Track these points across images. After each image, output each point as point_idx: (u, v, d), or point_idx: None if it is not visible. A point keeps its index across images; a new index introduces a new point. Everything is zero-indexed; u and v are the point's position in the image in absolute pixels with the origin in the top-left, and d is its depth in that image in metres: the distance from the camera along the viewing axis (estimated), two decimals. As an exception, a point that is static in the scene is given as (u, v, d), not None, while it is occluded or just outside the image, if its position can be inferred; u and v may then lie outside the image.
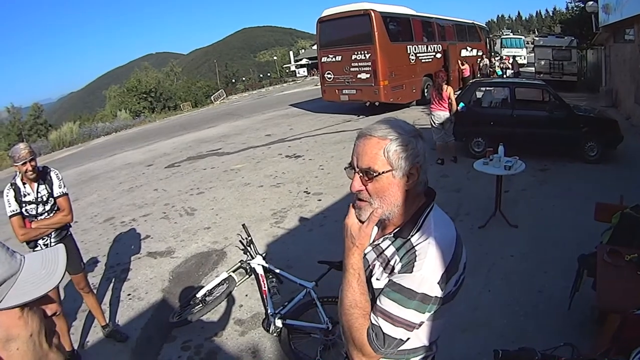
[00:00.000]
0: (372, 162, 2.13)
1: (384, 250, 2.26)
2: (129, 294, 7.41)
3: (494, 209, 8.93)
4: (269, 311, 5.69)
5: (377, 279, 2.22)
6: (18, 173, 5.21)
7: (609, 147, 12.41)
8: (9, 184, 5.25)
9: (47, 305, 1.45)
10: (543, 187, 10.95)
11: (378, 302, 2.14)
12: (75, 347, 5.89)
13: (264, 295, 5.80)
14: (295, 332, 5.64)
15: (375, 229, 2.41)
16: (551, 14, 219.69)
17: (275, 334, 5.66)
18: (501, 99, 14.15)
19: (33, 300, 1.33)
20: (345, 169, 2.30)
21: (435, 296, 2.08)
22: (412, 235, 2.17)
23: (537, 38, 40.19)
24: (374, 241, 2.36)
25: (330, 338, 5.44)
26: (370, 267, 2.29)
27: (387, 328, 2.10)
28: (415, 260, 2.08)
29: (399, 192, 2.18)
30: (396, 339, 2.11)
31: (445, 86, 13.26)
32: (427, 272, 2.05)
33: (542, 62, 32.45)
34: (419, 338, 2.25)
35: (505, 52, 47.68)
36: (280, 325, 5.59)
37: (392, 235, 2.25)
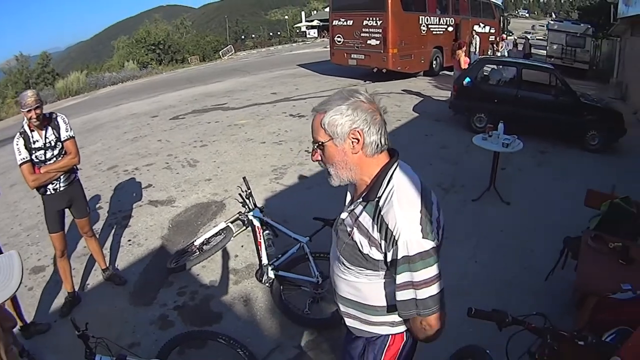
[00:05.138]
0: (317, 135, 2.44)
1: (358, 217, 2.46)
2: (129, 240, 7.59)
3: (489, 184, 9.10)
4: (262, 262, 5.88)
5: (365, 247, 2.41)
6: (25, 119, 5.32)
7: (611, 139, 12.53)
8: (19, 133, 5.32)
9: (2, 318, 1.53)
10: (540, 168, 11.17)
11: (399, 282, 2.34)
12: (76, 289, 6.05)
13: (259, 247, 5.99)
14: (287, 284, 5.83)
15: (349, 195, 2.67)
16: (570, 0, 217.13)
17: (267, 284, 5.86)
18: (507, 78, 14.20)
19: None
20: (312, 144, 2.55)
21: (431, 247, 2.29)
22: (378, 198, 2.39)
23: (552, 22, 40.00)
24: (348, 206, 2.61)
25: (319, 292, 5.66)
26: (349, 232, 2.49)
27: (428, 291, 2.33)
28: (388, 227, 2.29)
29: (346, 157, 2.42)
30: (438, 292, 2.36)
31: (458, 51, 16.53)
32: (406, 234, 2.26)
33: (555, 47, 32.50)
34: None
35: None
36: (273, 277, 5.80)
37: (361, 199, 2.47)
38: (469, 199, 8.89)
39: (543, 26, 64.41)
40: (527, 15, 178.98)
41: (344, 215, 2.58)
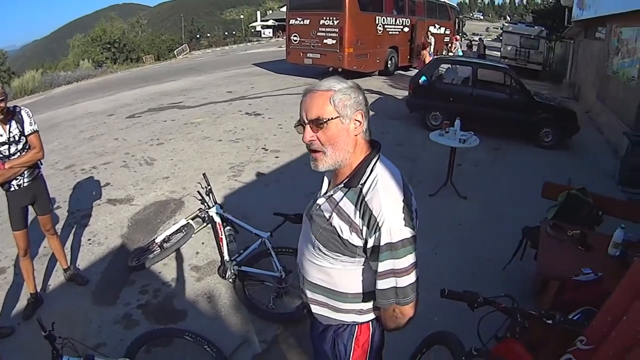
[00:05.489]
0: (321, 112, 2.35)
1: (338, 202, 2.45)
2: (89, 239, 7.52)
3: (446, 180, 9.32)
4: (225, 258, 5.89)
5: (345, 233, 2.41)
6: None
7: (565, 136, 13.03)
8: None
9: None
10: (495, 164, 11.53)
11: (381, 270, 2.39)
12: (38, 290, 5.95)
13: (221, 243, 5.97)
14: (250, 280, 5.90)
15: (326, 180, 2.67)
16: (525, 3, 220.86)
17: (230, 280, 5.89)
18: (463, 77, 14.52)
19: None
20: (295, 126, 2.49)
21: (412, 236, 2.37)
22: (362, 184, 2.40)
23: (506, 24, 41.14)
24: (326, 192, 2.58)
25: (283, 286, 5.73)
26: (328, 218, 2.47)
27: (408, 279, 2.41)
28: (372, 214, 2.31)
29: (348, 137, 2.41)
30: (416, 280, 2.45)
31: (422, 52, 18.86)
32: (390, 221, 2.30)
33: (509, 48, 33.52)
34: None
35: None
36: (236, 272, 5.83)
37: (342, 185, 2.47)
38: (427, 194, 9.04)
39: (497, 28, 65.54)
40: (482, 17, 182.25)
41: (320, 200, 2.58)
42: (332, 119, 2.35)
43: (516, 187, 9.74)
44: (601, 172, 11.10)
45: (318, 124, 2.36)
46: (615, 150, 12.87)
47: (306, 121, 2.40)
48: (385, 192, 2.35)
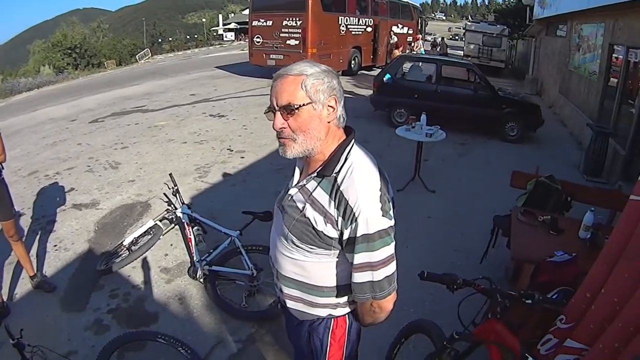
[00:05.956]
0: (292, 98, 2.24)
1: (312, 192, 2.36)
2: (55, 245, 7.38)
3: (414, 174, 9.40)
4: (194, 259, 5.88)
5: (320, 224, 2.32)
6: None
7: (529, 129, 13.37)
8: None
9: None
10: (462, 158, 11.73)
11: (356, 262, 2.32)
12: (5, 299, 5.81)
13: (190, 244, 5.96)
14: (221, 279, 5.86)
15: (298, 170, 2.57)
16: (487, 3, 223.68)
17: (201, 281, 5.86)
18: (427, 75, 14.71)
19: None
20: (265, 113, 2.36)
21: (389, 226, 2.31)
22: (336, 173, 2.31)
23: (469, 23, 41.81)
24: (298, 182, 2.49)
25: (254, 284, 5.71)
26: (301, 209, 2.37)
27: (384, 272, 2.35)
28: (348, 204, 2.22)
29: (321, 124, 2.31)
30: (393, 272, 2.41)
31: (395, 51, 19.84)
32: (366, 212, 2.21)
33: (472, 46, 34.39)
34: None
35: None
36: (206, 272, 5.81)
37: (316, 174, 2.38)
38: (395, 189, 8.95)
39: (460, 28, 66.42)
40: (444, 17, 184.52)
41: (292, 190, 2.48)
42: (303, 105, 2.24)
43: (484, 180, 9.92)
44: (566, 163, 11.43)
45: (289, 110, 2.25)
46: (578, 141, 13.24)
47: (276, 107, 2.29)
48: (361, 181, 2.26)
